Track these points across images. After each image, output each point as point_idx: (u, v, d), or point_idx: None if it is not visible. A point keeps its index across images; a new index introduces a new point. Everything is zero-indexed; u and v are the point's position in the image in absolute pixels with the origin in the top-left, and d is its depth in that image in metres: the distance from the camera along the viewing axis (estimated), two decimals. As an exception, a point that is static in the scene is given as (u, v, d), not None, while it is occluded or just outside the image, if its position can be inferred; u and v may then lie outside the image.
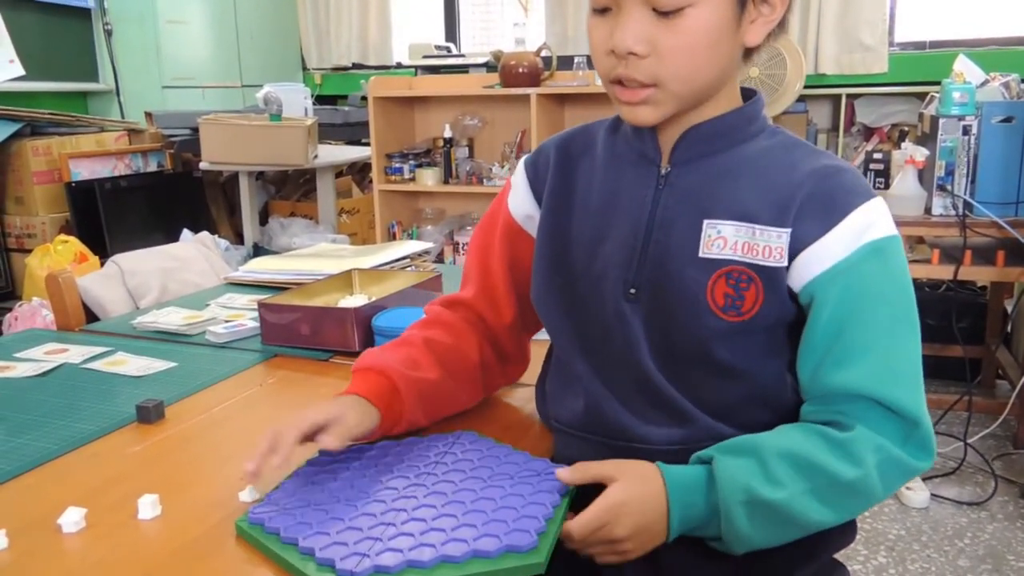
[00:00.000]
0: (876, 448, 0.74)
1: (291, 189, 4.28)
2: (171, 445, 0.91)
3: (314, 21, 5.15)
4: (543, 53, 3.17)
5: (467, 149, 3.40)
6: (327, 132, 4.13)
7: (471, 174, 3.33)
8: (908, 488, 2.17)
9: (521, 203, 0.93)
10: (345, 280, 1.42)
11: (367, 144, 3.46)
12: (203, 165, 3.50)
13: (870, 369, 0.75)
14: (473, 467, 0.80)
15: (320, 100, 4.90)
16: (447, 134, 3.34)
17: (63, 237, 3.19)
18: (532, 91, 3.08)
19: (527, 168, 0.94)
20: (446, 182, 3.37)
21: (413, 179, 3.40)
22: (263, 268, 1.64)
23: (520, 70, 3.10)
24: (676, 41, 0.75)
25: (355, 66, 5.10)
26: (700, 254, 0.78)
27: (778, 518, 0.73)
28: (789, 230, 0.76)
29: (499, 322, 0.95)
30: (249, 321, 1.32)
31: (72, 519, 0.72)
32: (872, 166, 4.00)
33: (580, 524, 0.72)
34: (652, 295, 0.81)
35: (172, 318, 1.35)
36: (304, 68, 5.25)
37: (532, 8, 4.95)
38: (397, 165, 3.39)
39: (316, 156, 3.52)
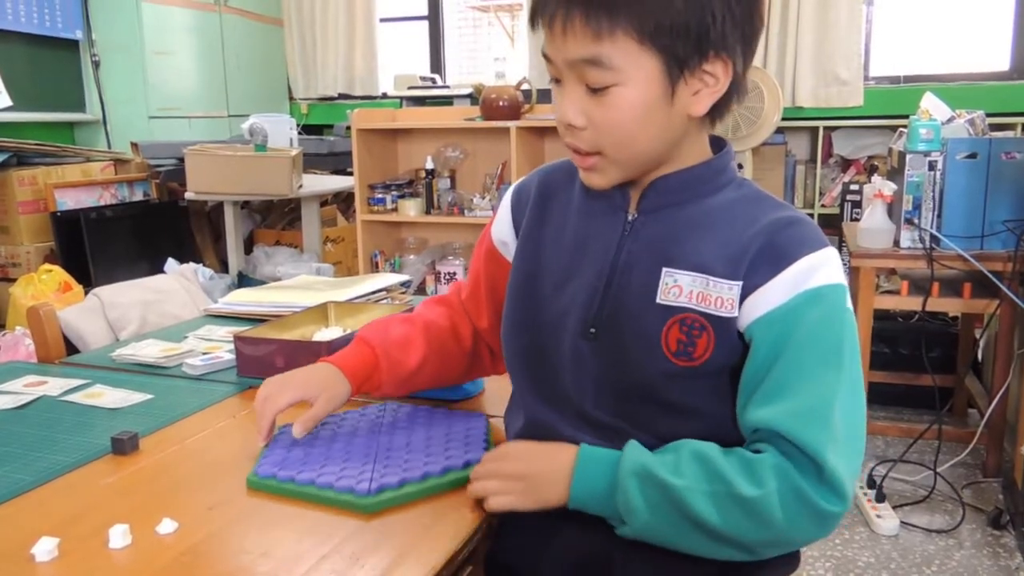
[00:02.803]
0: (780, 473, 0.76)
1: (276, 218, 4.32)
2: (144, 476, 0.94)
3: (301, 51, 5.23)
4: (523, 87, 3.24)
5: (449, 180, 3.45)
6: (312, 162, 4.18)
7: (453, 205, 3.38)
8: (878, 516, 2.21)
9: (501, 228, 1.00)
10: (321, 313, 1.46)
11: (352, 174, 3.52)
12: (188, 195, 3.54)
13: (786, 408, 0.77)
14: (420, 423, 1.03)
15: (306, 129, 4.96)
16: (429, 165, 3.40)
17: (48, 266, 3.21)
18: (512, 124, 3.14)
19: (512, 196, 1.01)
20: (428, 213, 3.42)
21: (395, 210, 3.45)
22: (242, 300, 1.68)
23: (500, 103, 3.16)
24: (607, 116, 0.80)
25: (341, 96, 5.17)
26: (657, 300, 0.83)
27: (669, 502, 0.77)
28: (740, 283, 0.81)
29: (479, 325, 1.06)
30: (226, 354, 1.35)
31: (45, 548, 0.75)
32: (849, 197, 4.09)
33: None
34: (609, 335, 0.85)
35: (150, 350, 1.38)
36: (291, 98, 5.32)
37: (518, 38, 5.04)
38: (380, 196, 3.44)
39: (301, 186, 3.57)
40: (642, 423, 0.84)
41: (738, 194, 0.87)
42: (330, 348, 1.23)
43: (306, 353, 1.25)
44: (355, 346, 1.02)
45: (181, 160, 3.59)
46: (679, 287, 0.82)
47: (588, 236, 0.90)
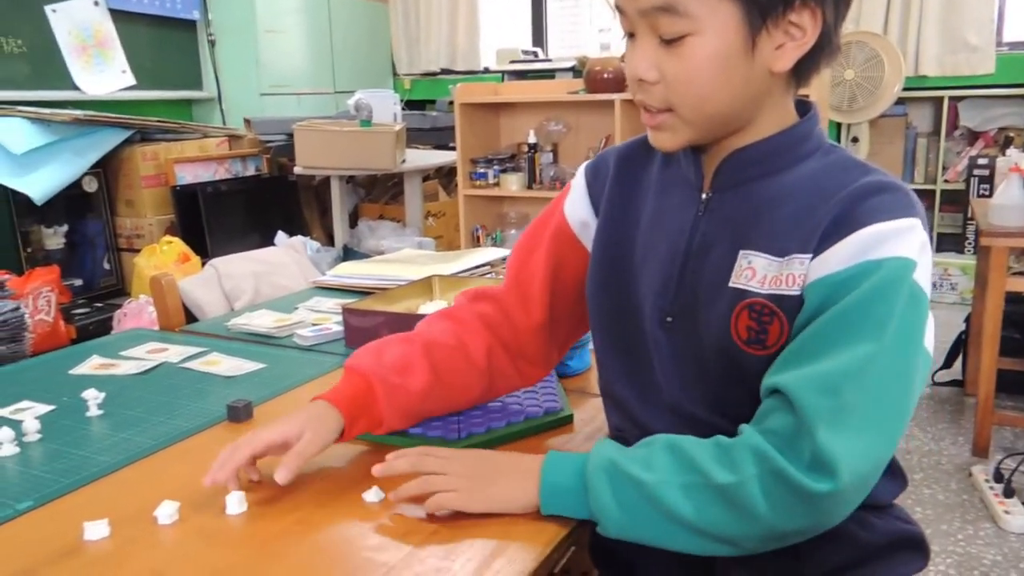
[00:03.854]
0: (758, 457, 0.69)
1: (380, 192, 4.40)
2: (258, 444, 0.96)
3: (405, 28, 5.28)
4: (629, 58, 3.16)
5: (551, 154, 3.42)
6: (415, 137, 4.23)
7: (555, 179, 3.35)
8: (1006, 512, 2.07)
9: (577, 208, 0.93)
10: (426, 286, 1.46)
11: (454, 148, 3.53)
12: (297, 169, 3.64)
13: (802, 371, 0.70)
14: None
15: (409, 105, 5.02)
16: (531, 140, 3.37)
17: (168, 238, 3.37)
18: (616, 96, 3.08)
19: (587, 173, 0.94)
20: (530, 187, 3.40)
21: (497, 184, 3.45)
22: (348, 273, 1.71)
23: (605, 76, 3.10)
24: (680, 68, 0.74)
25: (444, 71, 5.20)
26: (729, 283, 0.77)
27: (642, 498, 0.72)
28: (811, 255, 0.74)
29: (526, 323, 0.94)
30: (334, 325, 1.38)
31: (166, 512, 0.78)
32: (976, 172, 3.84)
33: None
34: (686, 323, 0.81)
35: (263, 320, 1.42)
36: (394, 74, 5.39)
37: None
38: (482, 170, 3.44)
39: (404, 160, 3.61)
40: (740, 416, 0.78)
41: (824, 162, 0.78)
42: (435, 322, 1.22)
43: (411, 326, 1.25)
44: (344, 377, 0.90)
45: (290, 136, 3.69)
46: (752, 269, 0.76)
47: (663, 216, 0.85)
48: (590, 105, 3.30)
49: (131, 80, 3.97)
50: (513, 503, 0.77)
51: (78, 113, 3.35)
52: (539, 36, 5.18)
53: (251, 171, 4.06)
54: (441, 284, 1.47)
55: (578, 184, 0.94)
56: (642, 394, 0.86)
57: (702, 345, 0.79)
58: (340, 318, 1.38)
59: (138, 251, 3.46)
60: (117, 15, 3.90)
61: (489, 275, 1.66)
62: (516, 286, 0.96)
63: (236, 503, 0.79)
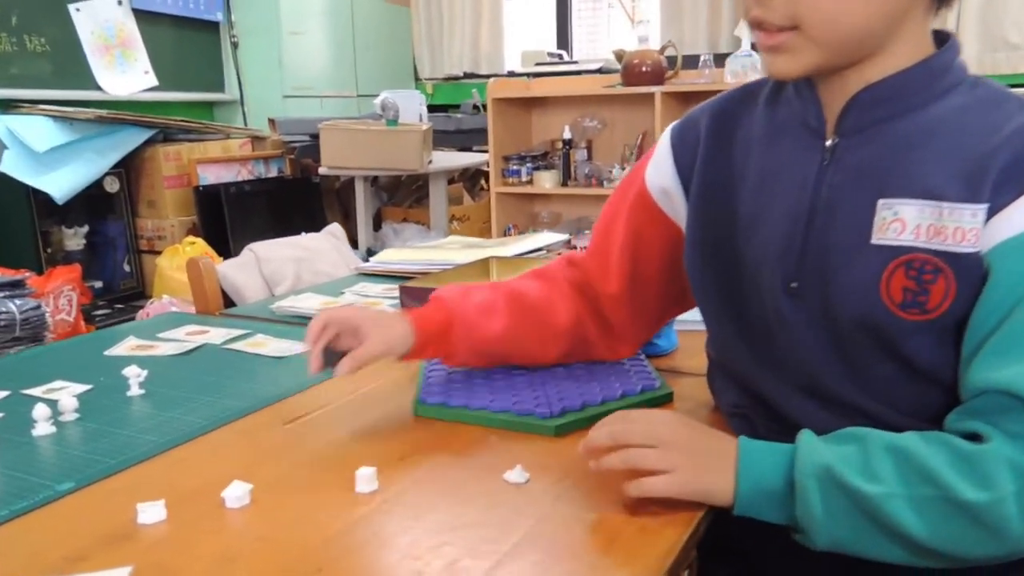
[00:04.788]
0: (1017, 472, 0.58)
1: (403, 196, 4.31)
2: (323, 422, 0.86)
3: (427, 32, 5.21)
4: (667, 52, 3.07)
5: (586, 151, 3.33)
6: (439, 139, 4.14)
7: (590, 176, 3.25)
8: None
9: (660, 175, 0.84)
10: (479, 268, 1.37)
11: (479, 151, 3.44)
12: (322, 170, 3.56)
13: None
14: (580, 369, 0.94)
15: (431, 110, 4.93)
16: (567, 135, 3.28)
17: (191, 239, 3.29)
18: (656, 89, 2.98)
19: (673, 137, 0.84)
20: (564, 185, 3.31)
21: (530, 182, 3.35)
22: (393, 259, 1.61)
23: (643, 68, 3.00)
24: None
25: (467, 75, 5.12)
26: (873, 240, 0.66)
27: (861, 511, 0.60)
28: (986, 205, 0.63)
29: (604, 290, 0.90)
30: (387, 308, 1.28)
31: (236, 494, 0.67)
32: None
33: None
34: (816, 290, 0.70)
35: (310, 303, 1.33)
36: (417, 78, 5.31)
37: (639, 17, 4.85)
38: (514, 167, 3.36)
39: (431, 161, 3.53)
40: (898, 398, 0.68)
41: (971, 97, 0.68)
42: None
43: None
44: (429, 304, 0.90)
45: (314, 136, 3.62)
46: (901, 221, 0.65)
47: (777, 170, 0.74)
48: (627, 99, 3.20)
49: (153, 81, 3.90)
50: (716, 496, 0.65)
51: (101, 111, 3.28)
52: (564, 38, 5.10)
53: (274, 172, 3.99)
54: (499, 266, 1.37)
55: (663, 148, 0.85)
56: (763, 370, 0.76)
57: (837, 313, 0.69)
58: (390, 302, 1.30)
59: (159, 253, 3.38)
60: (140, 15, 3.84)
61: (545, 259, 1.56)
62: (597, 253, 0.91)
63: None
